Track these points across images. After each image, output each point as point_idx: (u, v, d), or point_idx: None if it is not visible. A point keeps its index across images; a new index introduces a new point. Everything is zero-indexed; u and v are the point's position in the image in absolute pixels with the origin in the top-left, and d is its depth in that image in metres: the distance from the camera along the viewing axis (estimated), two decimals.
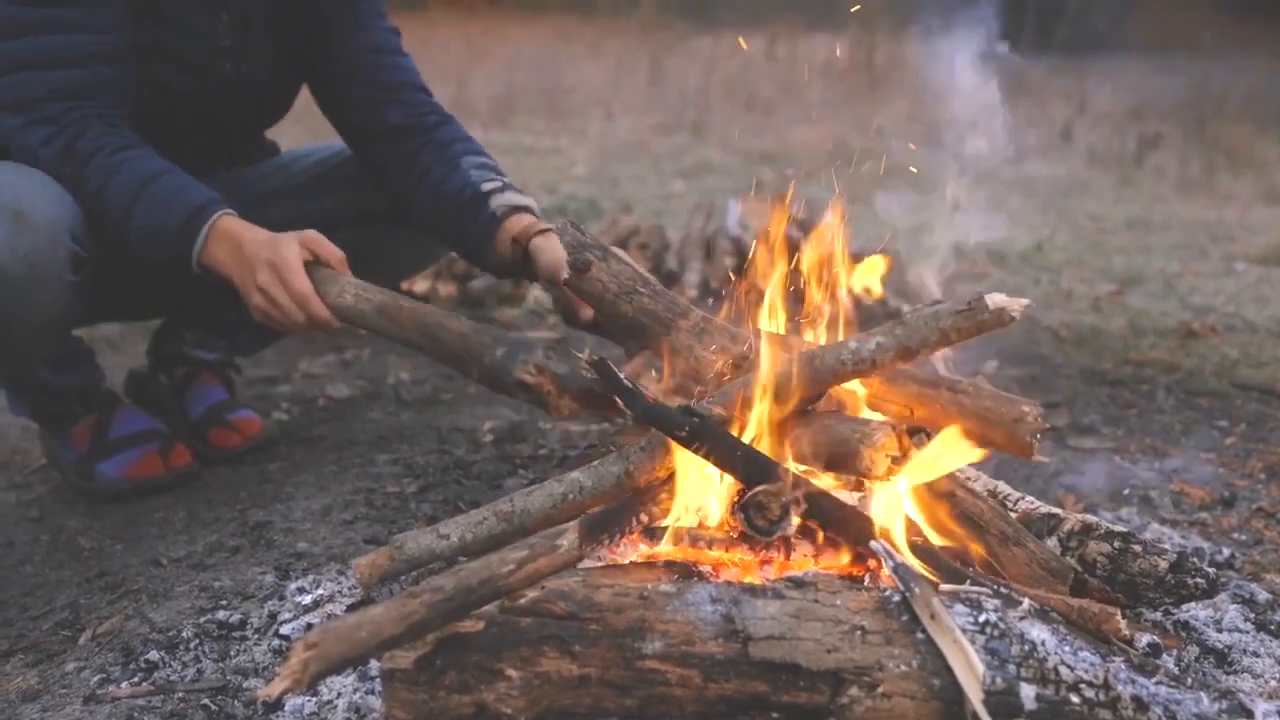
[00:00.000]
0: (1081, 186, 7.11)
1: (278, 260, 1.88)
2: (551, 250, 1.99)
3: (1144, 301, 4.28)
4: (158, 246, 1.93)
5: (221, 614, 1.73)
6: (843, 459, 1.53)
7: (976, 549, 1.58)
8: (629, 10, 13.50)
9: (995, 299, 1.45)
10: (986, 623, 1.34)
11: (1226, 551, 2.03)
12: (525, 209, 2.13)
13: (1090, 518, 1.66)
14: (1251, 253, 5.23)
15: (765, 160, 7.79)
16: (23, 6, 1.90)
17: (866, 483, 1.57)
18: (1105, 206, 6.45)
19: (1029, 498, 1.75)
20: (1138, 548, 1.60)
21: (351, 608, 1.64)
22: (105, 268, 2.04)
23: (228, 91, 2.22)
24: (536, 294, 3.92)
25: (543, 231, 2.04)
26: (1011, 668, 1.28)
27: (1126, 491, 2.39)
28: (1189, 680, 1.35)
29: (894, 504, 1.57)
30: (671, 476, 1.61)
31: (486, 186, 2.15)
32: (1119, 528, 1.63)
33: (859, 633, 1.33)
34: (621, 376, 1.49)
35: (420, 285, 3.89)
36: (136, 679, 1.58)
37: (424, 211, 2.27)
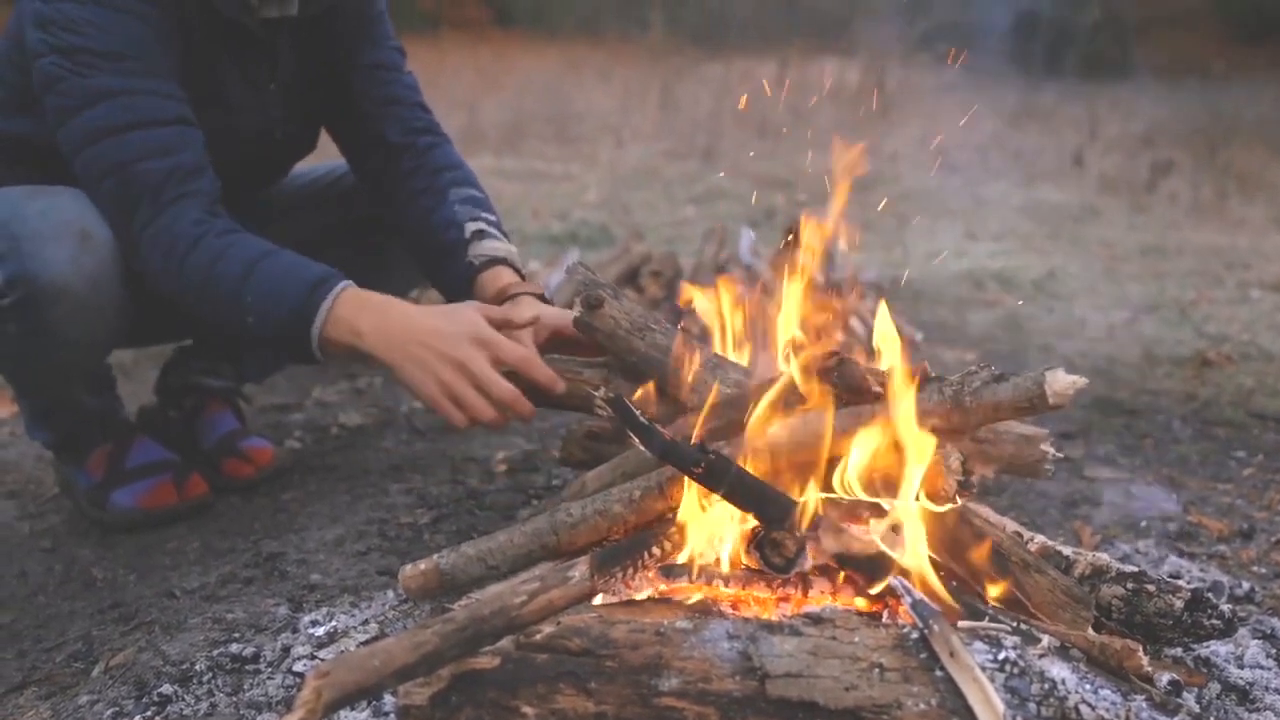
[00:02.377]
0: (1094, 213, 7.11)
1: (482, 334, 1.80)
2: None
3: (1158, 329, 4.26)
4: (273, 321, 1.85)
5: (235, 647, 1.72)
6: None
7: (999, 578, 1.56)
8: (638, 36, 13.59)
9: (1055, 385, 1.44)
10: (1006, 660, 1.32)
11: (1246, 585, 2.01)
12: (503, 261, 2.14)
13: (1101, 558, 1.64)
14: (1266, 279, 5.21)
15: (776, 185, 7.80)
16: (96, 77, 1.90)
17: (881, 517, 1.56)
18: (1118, 233, 6.44)
19: (1038, 537, 1.74)
20: (1151, 588, 1.58)
21: (365, 643, 1.63)
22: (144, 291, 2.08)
23: (272, 151, 2.30)
24: None
25: (514, 297, 2.04)
26: (1032, 706, 1.26)
27: (1144, 523, 2.38)
28: (1211, 719, 1.33)
29: (912, 538, 1.56)
30: (685, 511, 1.60)
31: (469, 229, 2.16)
32: (1130, 568, 1.61)
33: (877, 670, 1.31)
34: (638, 414, 1.48)
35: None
36: (149, 713, 1.57)
37: (409, 239, 2.30)
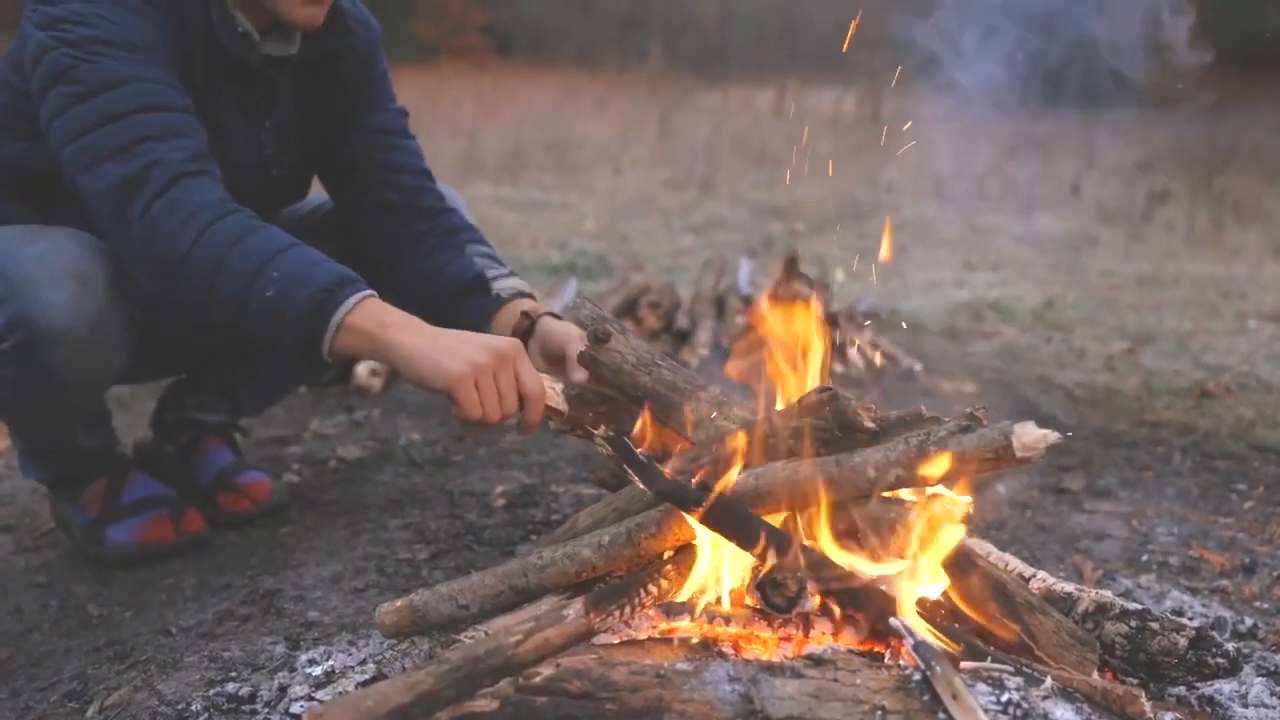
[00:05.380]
0: (1091, 242, 7.12)
1: (513, 349, 1.76)
2: (564, 328, 2.01)
3: (1157, 360, 4.26)
4: (296, 298, 1.77)
5: (231, 686, 1.71)
6: (878, 538, 1.51)
7: (1006, 619, 1.55)
8: (636, 65, 13.65)
9: (1024, 438, 1.43)
10: (1009, 702, 1.32)
11: (1249, 621, 2.00)
12: (529, 296, 2.17)
13: (1105, 595, 1.63)
14: (1264, 309, 5.21)
15: (774, 215, 7.81)
16: (106, 63, 1.88)
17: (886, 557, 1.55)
18: (1115, 262, 6.44)
19: (1040, 574, 1.73)
20: (1155, 625, 1.57)
21: (364, 684, 1.62)
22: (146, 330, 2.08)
23: (264, 189, 2.28)
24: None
25: (548, 315, 2.07)
26: None
27: (1145, 558, 2.37)
28: None
29: (915, 578, 1.55)
30: (683, 550, 1.60)
31: (491, 272, 2.19)
32: (1133, 605, 1.61)
33: (879, 713, 1.30)
34: (637, 452, 1.47)
35: None
36: None
37: (420, 290, 2.27)
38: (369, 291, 1.80)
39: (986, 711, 1.28)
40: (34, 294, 1.88)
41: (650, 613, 1.55)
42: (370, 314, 1.76)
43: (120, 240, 1.89)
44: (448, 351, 1.73)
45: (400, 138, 2.36)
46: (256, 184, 2.25)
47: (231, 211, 1.86)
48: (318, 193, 2.54)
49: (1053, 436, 1.43)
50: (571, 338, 1.97)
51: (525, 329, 2.07)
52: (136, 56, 1.91)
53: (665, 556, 1.61)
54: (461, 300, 2.18)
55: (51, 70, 1.89)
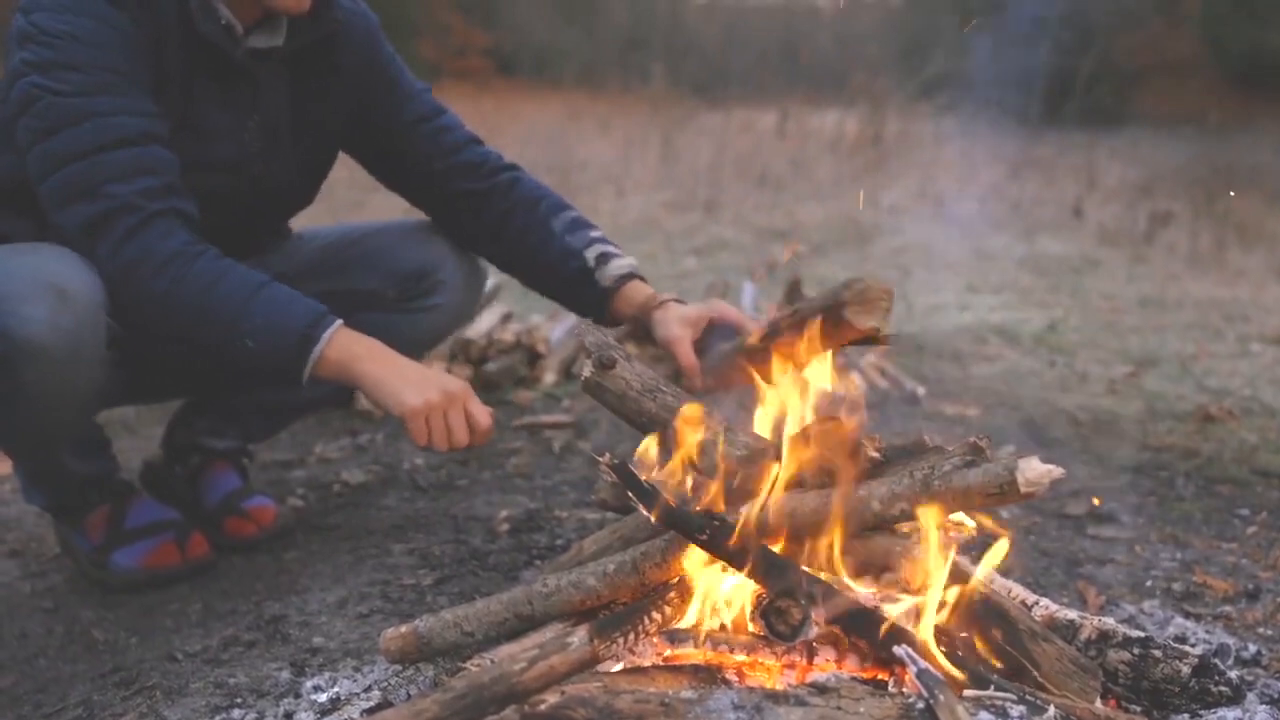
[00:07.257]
0: (1093, 264, 7.12)
1: (463, 391, 1.98)
2: (667, 324, 2.12)
3: (1160, 384, 4.26)
4: (275, 344, 1.95)
5: (237, 713, 1.72)
6: (882, 570, 1.52)
7: (1009, 647, 1.55)
8: (639, 86, 13.68)
9: (1029, 474, 1.44)
10: None
11: (1253, 648, 1.99)
12: (631, 275, 2.24)
13: (1108, 623, 1.63)
14: (1266, 333, 5.21)
15: (777, 237, 7.83)
16: (70, 98, 1.91)
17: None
18: (1118, 285, 6.45)
19: (1043, 601, 1.73)
20: (1158, 653, 1.57)
21: (369, 711, 1.62)
22: (129, 349, 2.09)
23: (255, 191, 2.26)
24: (551, 377, 3.92)
25: (661, 304, 2.17)
26: None
27: (1149, 583, 2.36)
28: None
29: (919, 605, 1.55)
30: (688, 577, 1.60)
31: (589, 256, 2.25)
32: (1136, 633, 1.61)
33: None
34: (641, 478, 1.48)
35: (436, 366, 3.89)
36: None
37: (526, 277, 2.38)
38: (339, 322, 1.97)
39: None
40: (12, 308, 1.88)
41: (654, 640, 1.56)
42: (342, 346, 1.96)
43: (102, 273, 1.97)
44: (407, 384, 1.95)
45: (438, 117, 2.39)
46: (244, 183, 2.23)
47: (201, 253, 1.96)
48: (327, 218, 2.55)
49: (1057, 472, 1.44)
50: (675, 337, 2.10)
51: (640, 327, 2.19)
52: (101, 80, 1.93)
53: (669, 583, 1.61)
54: (573, 291, 2.29)
55: (20, 99, 1.93)
